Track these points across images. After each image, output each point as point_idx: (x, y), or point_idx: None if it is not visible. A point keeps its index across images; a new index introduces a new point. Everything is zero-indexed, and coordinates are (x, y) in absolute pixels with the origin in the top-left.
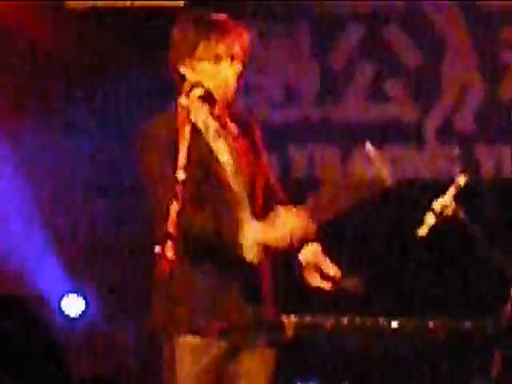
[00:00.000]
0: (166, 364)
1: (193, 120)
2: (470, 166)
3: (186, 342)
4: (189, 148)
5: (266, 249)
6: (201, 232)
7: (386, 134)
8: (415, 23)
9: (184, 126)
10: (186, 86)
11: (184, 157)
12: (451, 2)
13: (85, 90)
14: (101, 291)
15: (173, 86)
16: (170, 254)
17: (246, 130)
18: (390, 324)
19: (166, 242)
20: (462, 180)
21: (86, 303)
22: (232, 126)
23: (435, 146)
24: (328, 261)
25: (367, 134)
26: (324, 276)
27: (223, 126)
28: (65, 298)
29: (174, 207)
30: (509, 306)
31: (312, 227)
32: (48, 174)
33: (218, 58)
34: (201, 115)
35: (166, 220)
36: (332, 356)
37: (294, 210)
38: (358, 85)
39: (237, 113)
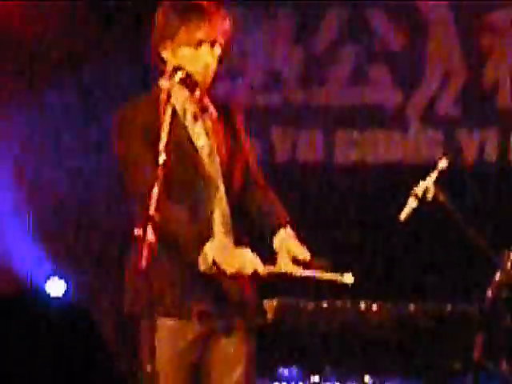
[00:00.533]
0: (144, 346)
1: (172, 103)
2: (453, 150)
3: (165, 324)
4: (169, 131)
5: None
6: (173, 225)
7: (369, 119)
8: (398, 7)
9: (165, 108)
10: (169, 69)
11: (165, 139)
12: None
13: (61, 73)
14: (81, 273)
15: (150, 70)
16: (151, 236)
17: (226, 113)
18: (370, 307)
19: (146, 224)
20: (443, 164)
21: (68, 285)
22: (212, 110)
23: (418, 131)
24: (299, 245)
25: (350, 118)
26: (295, 260)
27: (202, 109)
28: (48, 280)
29: (156, 190)
30: (490, 290)
31: (265, 274)
32: (28, 156)
33: (198, 43)
34: (179, 98)
35: (148, 203)
36: (313, 340)
37: (258, 260)
38: (341, 69)
39: (218, 97)
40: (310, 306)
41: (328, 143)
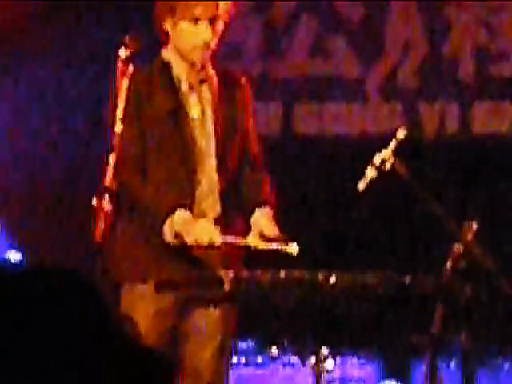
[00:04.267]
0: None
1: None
2: (413, 122)
3: (136, 289)
4: (127, 101)
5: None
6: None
7: (328, 91)
8: None
9: (122, 78)
10: (128, 40)
11: (122, 109)
12: None
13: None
14: (41, 246)
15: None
16: (107, 206)
17: (232, 87)
18: (328, 278)
19: (103, 194)
20: (401, 134)
21: (25, 258)
22: (214, 81)
23: (378, 103)
24: (270, 223)
25: (309, 90)
26: (262, 235)
27: (202, 80)
28: (5, 254)
29: (112, 160)
30: (449, 263)
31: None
32: None
33: (196, 19)
34: (178, 68)
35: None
36: (270, 311)
37: (215, 231)
38: (300, 41)
39: (224, 69)
40: (267, 276)
41: (287, 116)
